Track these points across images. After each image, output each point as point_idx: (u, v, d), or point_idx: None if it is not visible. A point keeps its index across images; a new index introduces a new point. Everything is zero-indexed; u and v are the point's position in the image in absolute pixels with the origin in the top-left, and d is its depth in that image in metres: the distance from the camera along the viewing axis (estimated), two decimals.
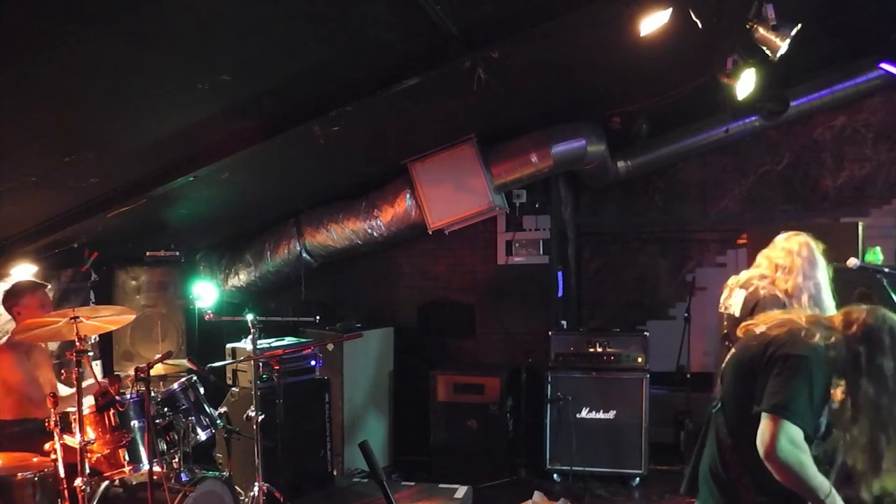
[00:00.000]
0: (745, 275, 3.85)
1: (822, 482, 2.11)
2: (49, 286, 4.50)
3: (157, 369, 4.06)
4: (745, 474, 2.27)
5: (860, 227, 5.03)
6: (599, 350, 5.68)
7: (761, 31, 3.88)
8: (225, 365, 5.08)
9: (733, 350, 2.50)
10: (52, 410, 3.50)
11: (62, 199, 4.56)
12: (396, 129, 5.19)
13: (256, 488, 4.37)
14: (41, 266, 5.09)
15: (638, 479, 5.55)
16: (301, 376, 5.26)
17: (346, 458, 5.78)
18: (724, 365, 2.52)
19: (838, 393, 2.18)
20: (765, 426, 2.13)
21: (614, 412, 5.58)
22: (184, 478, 3.74)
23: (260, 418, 4.46)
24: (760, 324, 2.41)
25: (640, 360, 5.61)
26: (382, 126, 4.98)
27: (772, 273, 3.71)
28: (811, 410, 2.15)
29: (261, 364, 4.70)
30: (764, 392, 2.19)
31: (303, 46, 3.57)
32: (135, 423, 3.66)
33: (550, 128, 5.68)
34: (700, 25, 3.83)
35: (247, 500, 4.44)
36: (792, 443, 2.09)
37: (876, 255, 4.99)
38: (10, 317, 4.31)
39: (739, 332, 2.57)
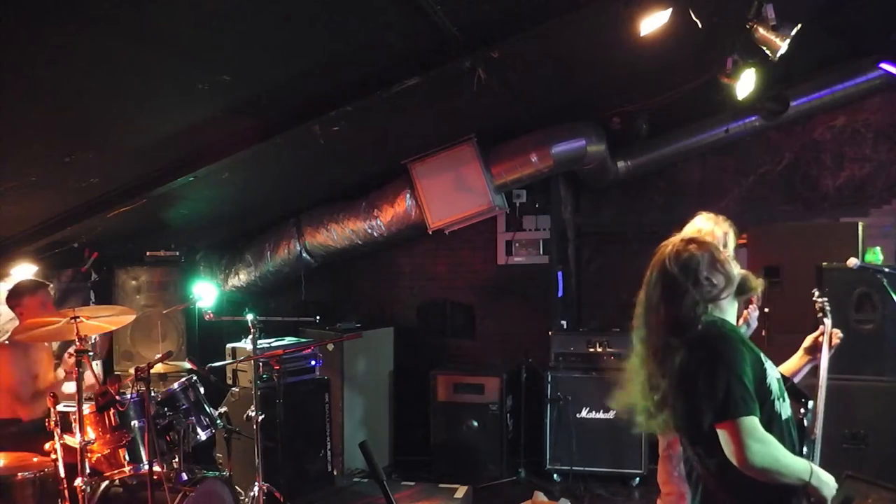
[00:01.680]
0: None
1: (801, 466, 2.07)
2: (51, 285, 4.50)
3: (157, 369, 4.05)
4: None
5: (860, 227, 5.02)
6: (599, 350, 5.69)
7: (761, 31, 3.88)
8: (225, 365, 5.08)
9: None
10: (53, 410, 3.51)
11: (62, 199, 4.56)
12: (396, 129, 5.19)
13: (256, 488, 4.37)
14: (41, 266, 5.09)
15: (638, 478, 5.55)
16: (301, 376, 5.26)
17: (346, 458, 5.78)
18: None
19: None
20: (724, 437, 2.04)
21: (614, 412, 5.58)
22: (184, 478, 3.74)
23: (260, 418, 4.46)
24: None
25: None
26: (382, 126, 4.98)
27: None
28: (748, 389, 2.06)
29: (261, 364, 4.70)
30: (701, 405, 2.10)
31: (303, 46, 3.57)
32: (135, 423, 3.67)
33: (550, 128, 5.68)
34: (700, 25, 3.83)
35: (247, 500, 4.44)
36: (757, 440, 2.01)
37: (876, 255, 4.98)
38: (13, 315, 4.32)
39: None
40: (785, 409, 2.18)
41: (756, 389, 2.09)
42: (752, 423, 2.03)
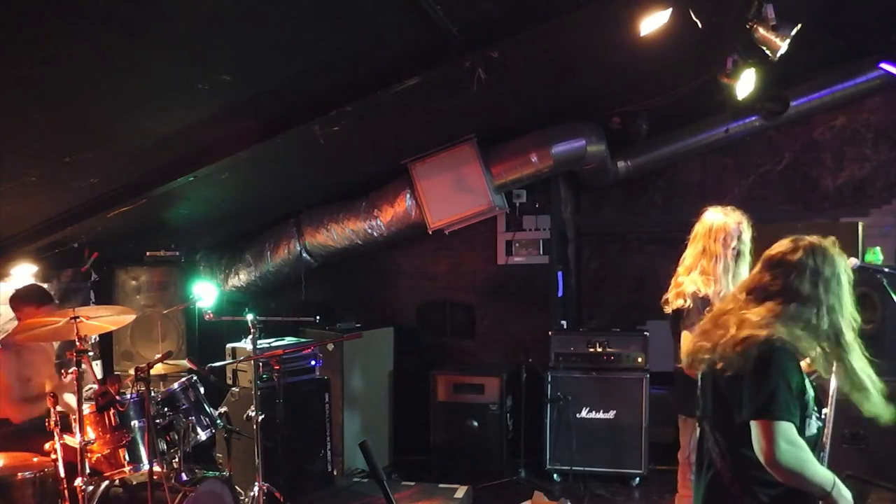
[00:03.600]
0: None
1: (825, 476, 2.09)
2: (56, 303, 4.46)
3: (157, 369, 4.05)
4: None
5: (860, 227, 5.02)
6: (599, 350, 5.68)
7: (761, 31, 3.88)
8: (225, 365, 5.08)
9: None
10: (53, 410, 3.51)
11: (62, 199, 4.56)
12: (396, 129, 5.19)
13: (256, 488, 4.37)
14: (41, 266, 5.09)
15: (638, 479, 5.54)
16: (301, 376, 5.26)
17: (346, 458, 5.78)
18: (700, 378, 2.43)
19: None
20: (757, 433, 2.08)
21: (614, 412, 5.58)
22: (184, 478, 3.74)
23: (260, 418, 4.45)
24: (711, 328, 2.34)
25: (640, 359, 5.60)
26: (382, 126, 4.98)
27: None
28: (793, 398, 2.11)
29: (261, 364, 4.70)
30: (743, 399, 2.14)
31: (303, 46, 3.57)
32: (135, 423, 3.67)
33: (550, 128, 5.69)
34: (700, 25, 3.83)
35: (247, 500, 4.44)
36: (789, 442, 2.05)
37: (876, 255, 4.98)
38: (13, 316, 4.31)
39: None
40: (813, 426, 2.23)
41: (797, 402, 2.14)
42: (790, 427, 2.08)
